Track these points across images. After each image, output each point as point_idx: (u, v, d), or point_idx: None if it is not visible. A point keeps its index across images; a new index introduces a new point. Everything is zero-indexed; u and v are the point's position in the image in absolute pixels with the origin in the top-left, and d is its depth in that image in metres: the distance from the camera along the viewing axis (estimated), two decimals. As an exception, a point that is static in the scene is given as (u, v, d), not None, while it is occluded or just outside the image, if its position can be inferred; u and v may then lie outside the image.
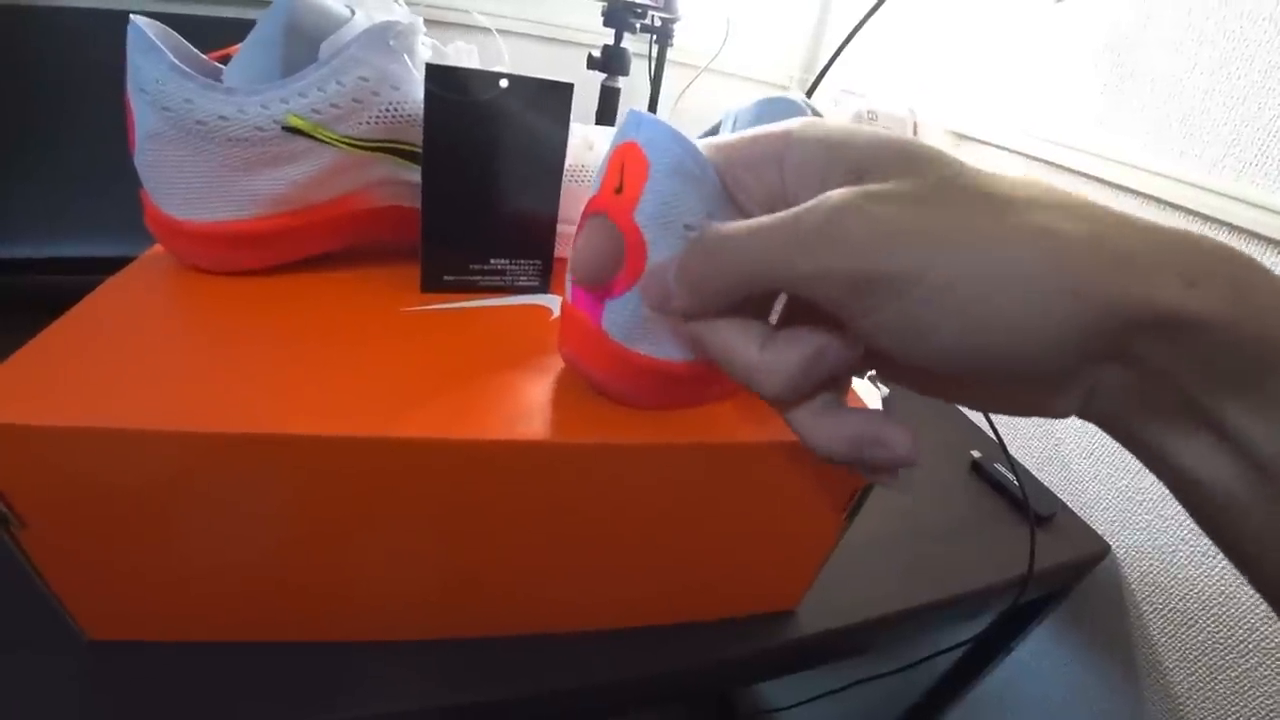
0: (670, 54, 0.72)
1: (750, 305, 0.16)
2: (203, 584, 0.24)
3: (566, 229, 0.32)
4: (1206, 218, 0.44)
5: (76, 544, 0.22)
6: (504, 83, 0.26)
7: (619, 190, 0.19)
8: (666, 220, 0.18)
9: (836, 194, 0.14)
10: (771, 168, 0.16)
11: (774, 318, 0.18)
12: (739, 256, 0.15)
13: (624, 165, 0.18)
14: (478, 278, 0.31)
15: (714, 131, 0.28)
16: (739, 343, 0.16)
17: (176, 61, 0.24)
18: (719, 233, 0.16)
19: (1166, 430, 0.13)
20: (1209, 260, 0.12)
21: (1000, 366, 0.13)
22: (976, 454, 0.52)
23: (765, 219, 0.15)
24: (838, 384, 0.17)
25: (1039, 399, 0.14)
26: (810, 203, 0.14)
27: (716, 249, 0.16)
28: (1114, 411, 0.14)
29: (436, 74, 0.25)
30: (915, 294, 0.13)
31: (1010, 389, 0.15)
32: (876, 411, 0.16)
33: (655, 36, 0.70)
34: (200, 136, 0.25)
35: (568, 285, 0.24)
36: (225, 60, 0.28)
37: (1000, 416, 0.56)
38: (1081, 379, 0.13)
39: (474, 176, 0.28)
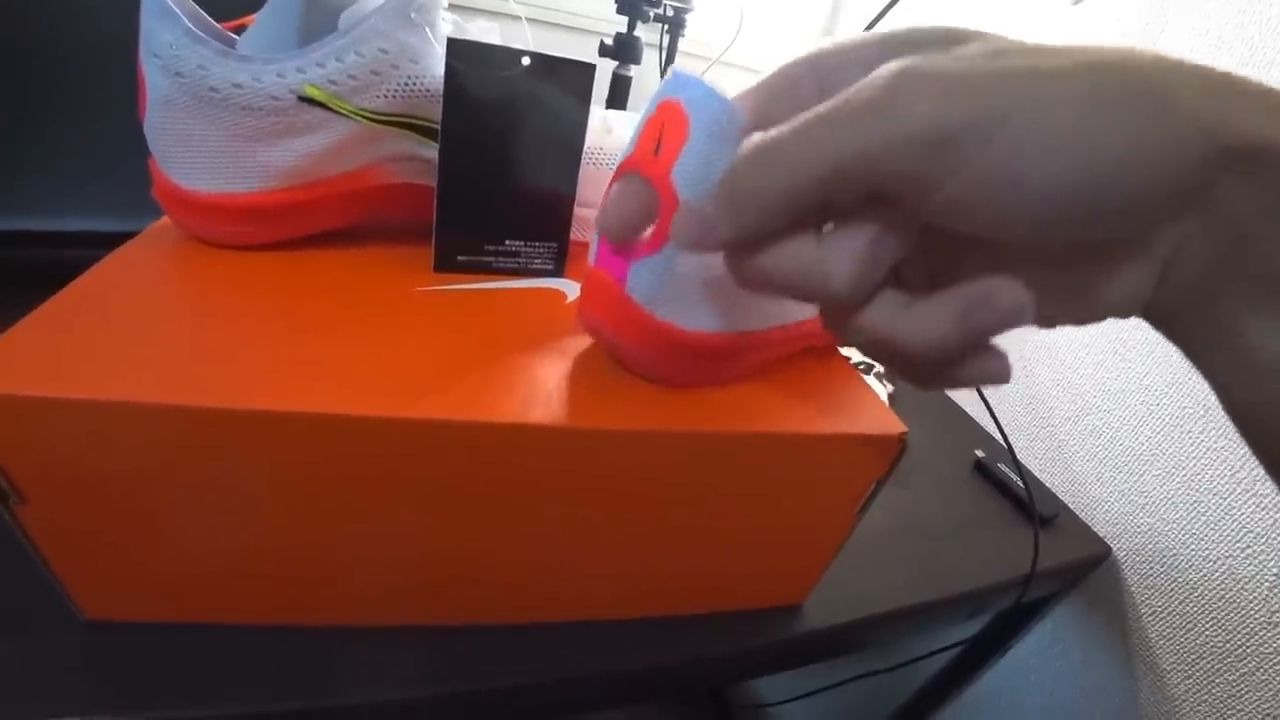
0: (682, 45, 0.72)
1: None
2: (203, 564, 0.24)
3: (584, 212, 0.31)
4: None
5: (75, 521, 0.21)
6: (525, 60, 0.26)
7: (656, 150, 0.18)
8: (704, 182, 0.17)
9: (894, 62, 0.13)
10: (808, 82, 0.15)
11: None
12: (793, 155, 0.13)
13: (663, 125, 0.18)
14: (492, 259, 0.30)
15: None
16: (793, 247, 0.14)
17: (192, 26, 0.23)
18: (763, 139, 0.14)
19: (1236, 301, 0.13)
20: None
21: (1094, 210, 0.12)
22: (980, 454, 0.52)
23: (811, 110, 0.13)
24: (904, 282, 0.16)
25: (1114, 278, 0.14)
26: (865, 79, 0.13)
27: (765, 154, 0.14)
28: (1187, 288, 0.13)
29: (458, 48, 0.25)
30: (1005, 135, 0.12)
31: (1087, 263, 0.14)
32: (965, 283, 0.14)
33: (667, 26, 0.69)
34: (213, 104, 0.24)
35: (592, 249, 0.23)
36: (239, 31, 0.27)
37: (1006, 418, 0.56)
38: (1163, 240, 0.13)
39: (491, 155, 0.28)
